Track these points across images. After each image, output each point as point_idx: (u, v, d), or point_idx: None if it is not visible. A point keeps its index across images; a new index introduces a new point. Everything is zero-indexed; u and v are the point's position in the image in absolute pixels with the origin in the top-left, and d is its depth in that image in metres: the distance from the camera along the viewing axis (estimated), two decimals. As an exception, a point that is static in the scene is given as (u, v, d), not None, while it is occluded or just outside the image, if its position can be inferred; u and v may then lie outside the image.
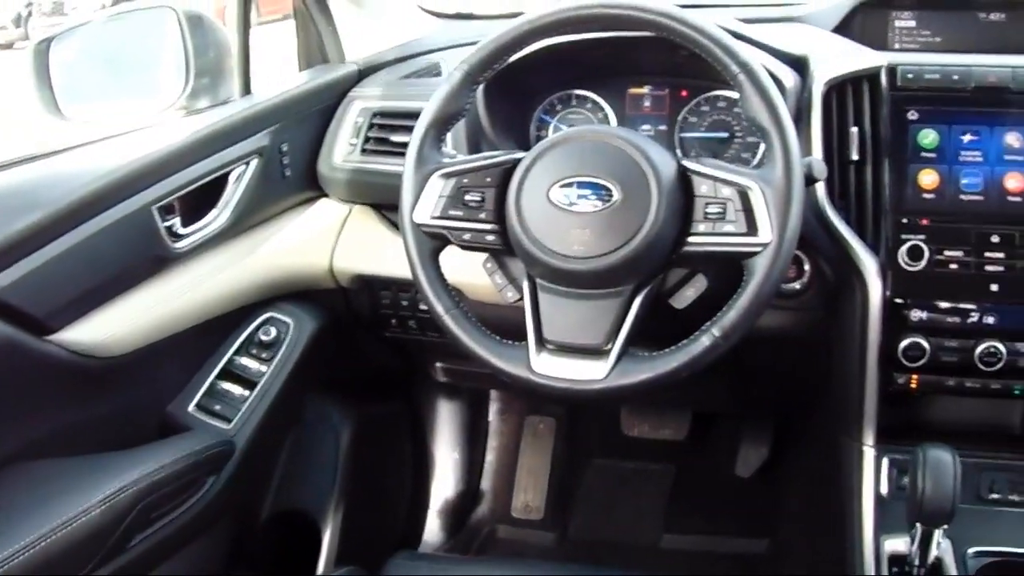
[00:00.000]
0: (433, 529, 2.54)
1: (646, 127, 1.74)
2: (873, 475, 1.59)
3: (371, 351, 2.11)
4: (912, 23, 1.84)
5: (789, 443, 2.51)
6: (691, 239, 1.31)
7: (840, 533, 1.62)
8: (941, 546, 1.44)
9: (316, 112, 1.87)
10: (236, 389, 1.78)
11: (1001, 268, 1.49)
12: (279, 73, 1.99)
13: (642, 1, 1.34)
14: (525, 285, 1.37)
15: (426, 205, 1.39)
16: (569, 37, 1.58)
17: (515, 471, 2.63)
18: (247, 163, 1.74)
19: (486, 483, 2.65)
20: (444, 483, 2.58)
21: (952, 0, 1.86)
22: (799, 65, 1.62)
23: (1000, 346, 1.50)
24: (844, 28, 1.82)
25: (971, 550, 1.49)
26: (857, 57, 1.61)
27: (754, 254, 1.28)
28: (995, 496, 1.59)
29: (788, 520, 2.35)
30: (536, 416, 2.65)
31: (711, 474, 2.62)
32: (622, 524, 2.58)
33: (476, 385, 2.54)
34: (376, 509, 2.30)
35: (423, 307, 1.44)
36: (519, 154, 1.38)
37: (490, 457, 2.67)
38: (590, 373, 1.31)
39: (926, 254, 1.49)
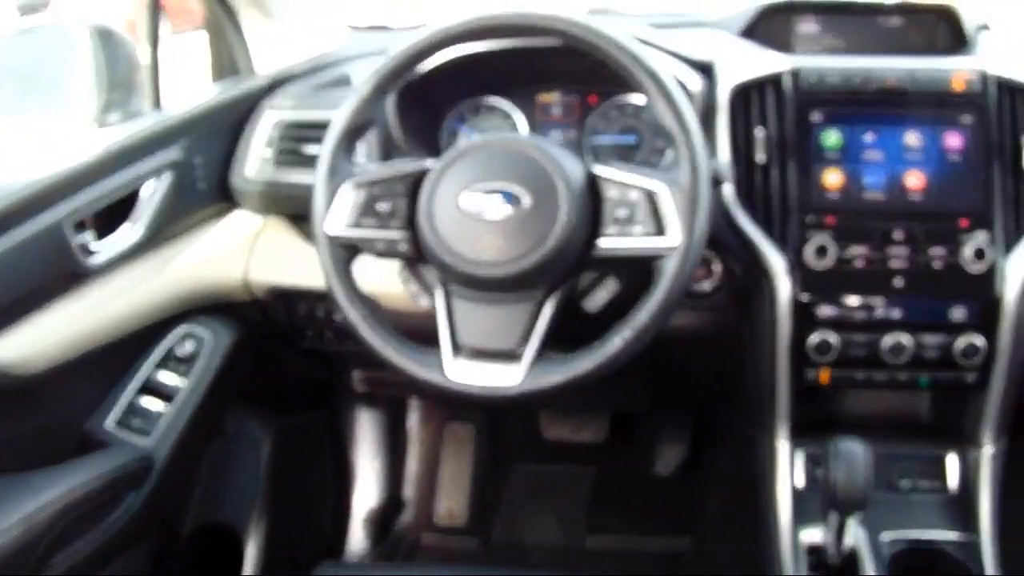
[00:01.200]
0: (357, 538, 2.52)
1: (556, 134, 1.75)
2: (788, 468, 1.63)
3: (289, 362, 2.10)
4: (815, 28, 1.87)
5: (707, 441, 2.55)
6: (601, 242, 1.32)
7: (758, 526, 1.65)
8: (856, 534, 1.49)
9: (228, 124, 1.85)
10: (154, 404, 1.75)
11: (904, 263, 1.53)
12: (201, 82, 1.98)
13: (547, 10, 1.35)
14: (438, 292, 1.38)
15: (338, 215, 1.39)
16: (478, 46, 1.59)
17: (437, 478, 2.63)
18: (160, 177, 1.72)
19: (409, 491, 2.65)
20: (367, 492, 2.57)
21: (853, 5, 1.90)
22: (705, 70, 1.65)
23: (906, 339, 1.54)
24: (750, 33, 1.84)
25: (885, 537, 1.55)
26: (762, 61, 1.64)
27: (663, 256, 1.29)
28: (905, 484, 1.65)
29: (709, 516, 2.38)
30: (456, 422, 2.66)
31: (632, 474, 2.64)
32: (545, 527, 2.59)
33: (395, 393, 2.54)
34: (299, 520, 2.28)
35: (339, 317, 1.43)
36: (429, 162, 1.39)
37: (412, 465, 2.67)
38: (505, 377, 1.33)
39: (832, 252, 1.52)
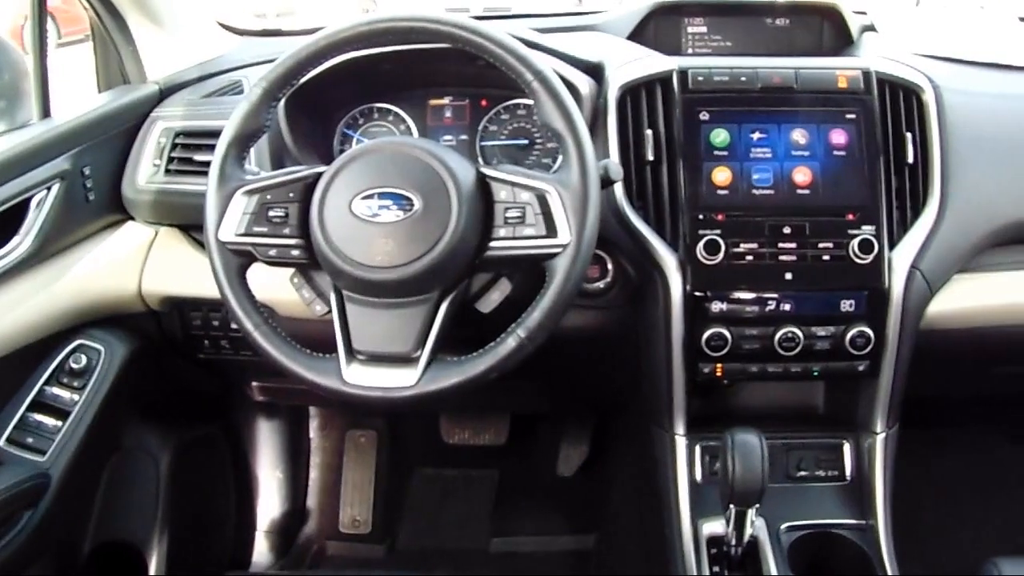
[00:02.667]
0: (262, 550, 2.50)
1: (448, 137, 1.75)
2: (686, 462, 1.66)
3: (186, 374, 2.06)
4: (703, 29, 1.91)
5: (608, 438, 2.57)
6: (493, 244, 1.33)
7: (660, 521, 1.66)
8: (755, 524, 1.51)
9: (118, 134, 1.81)
10: (48, 420, 1.71)
11: (794, 257, 1.56)
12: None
13: (437, 13, 1.36)
14: (332, 298, 1.37)
15: (230, 223, 1.38)
16: (368, 51, 1.58)
17: (340, 486, 2.61)
18: (48, 188, 1.68)
19: (312, 500, 2.63)
20: (269, 503, 2.54)
21: (740, 7, 1.94)
22: (595, 71, 1.67)
23: (797, 331, 1.56)
24: (638, 35, 1.87)
25: (783, 525, 1.58)
26: (650, 62, 1.66)
27: (554, 255, 1.30)
28: (803, 473, 1.69)
29: (613, 513, 2.40)
30: (357, 430, 2.64)
31: (534, 475, 2.66)
32: (450, 531, 2.59)
33: (294, 402, 2.52)
34: (202, 533, 2.25)
35: (235, 326, 1.42)
36: (321, 168, 1.38)
37: (314, 474, 2.65)
38: (401, 380, 1.32)
39: (723, 248, 1.54)
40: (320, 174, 1.37)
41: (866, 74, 1.64)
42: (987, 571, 1.46)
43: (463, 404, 2.42)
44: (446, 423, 2.62)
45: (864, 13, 1.99)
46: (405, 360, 1.33)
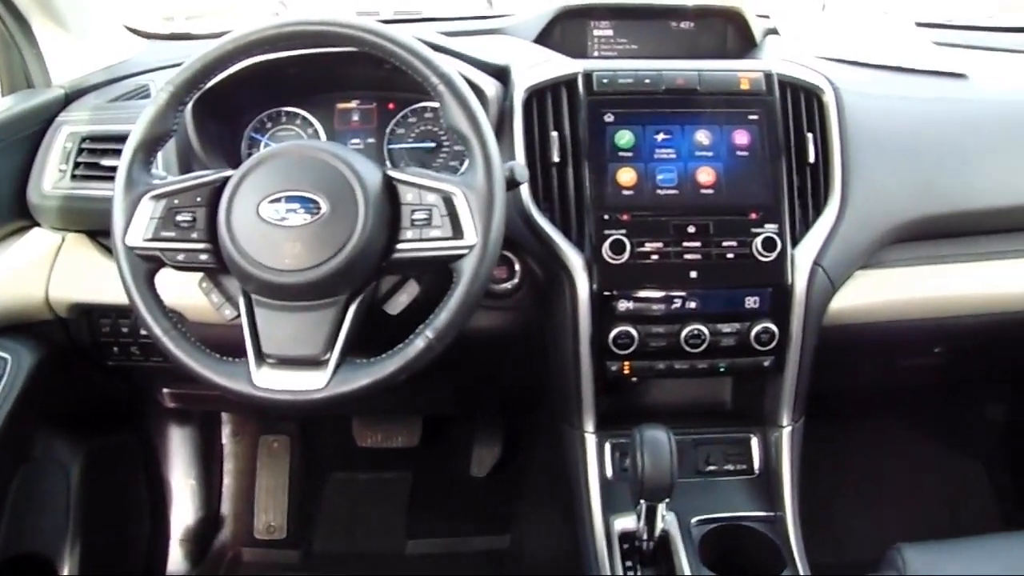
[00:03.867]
0: (176, 559, 2.47)
1: (356, 141, 1.76)
2: (596, 460, 1.68)
3: (96, 381, 2.03)
4: (609, 32, 1.93)
5: (521, 438, 2.59)
6: (400, 246, 1.34)
7: (573, 518, 1.69)
8: (666, 519, 1.54)
9: (22, 139, 1.78)
10: (-46, 431, 1.69)
11: (698, 256, 1.59)
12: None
13: (344, 17, 1.37)
14: (241, 302, 1.37)
15: (137, 228, 1.37)
16: (276, 54, 1.58)
17: (254, 492, 2.60)
18: (-50, 195, 1.67)
19: (226, 507, 2.61)
20: (183, 511, 2.52)
21: (646, 10, 1.97)
22: (501, 74, 1.68)
23: (703, 328, 1.59)
24: (545, 38, 1.89)
25: (694, 519, 1.61)
26: (555, 65, 1.68)
27: (461, 256, 1.32)
28: (712, 467, 1.72)
29: (527, 512, 2.42)
30: (270, 435, 2.63)
31: (448, 477, 2.67)
32: (365, 535, 2.59)
33: (206, 408, 2.50)
34: (115, 543, 2.21)
35: (144, 332, 1.42)
36: (228, 172, 1.38)
37: (227, 480, 2.63)
38: (310, 383, 1.33)
39: (628, 247, 1.56)
40: (227, 178, 1.37)
41: (768, 76, 1.67)
42: (891, 557, 1.51)
43: (375, 407, 2.42)
44: (359, 426, 2.62)
45: (767, 17, 2.03)
46: (314, 363, 1.34)
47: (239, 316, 1.38)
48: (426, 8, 2.19)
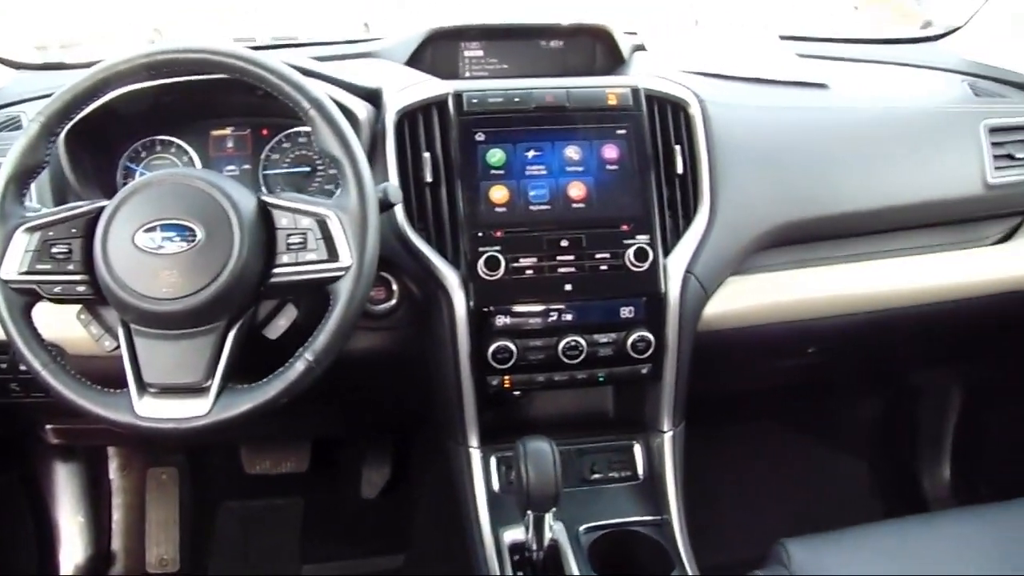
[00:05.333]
0: None
1: (231, 167, 1.77)
2: (482, 474, 1.72)
3: (-25, 420, 2.02)
4: (480, 53, 1.98)
5: (410, 458, 2.61)
6: (277, 270, 1.37)
7: (464, 533, 1.72)
8: (554, 528, 1.58)
9: None
10: None
11: (572, 269, 1.64)
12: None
13: (215, 44, 1.39)
14: (120, 332, 1.38)
15: (12, 261, 1.37)
16: (148, 83, 1.59)
17: (144, 525, 2.56)
18: None
19: (116, 542, 2.57)
20: (72, 549, 2.48)
21: (515, 31, 2.02)
22: (373, 97, 1.71)
23: (580, 339, 1.64)
24: (417, 60, 1.93)
25: (582, 527, 1.65)
26: (426, 86, 1.72)
27: (337, 278, 1.35)
28: (597, 475, 1.77)
29: (419, 531, 2.44)
30: (158, 468, 2.60)
31: (339, 500, 2.67)
32: (260, 562, 2.58)
33: (91, 443, 2.47)
34: None
35: (23, 367, 1.41)
36: (103, 202, 1.38)
37: (117, 515, 2.59)
38: (193, 410, 1.34)
39: (503, 263, 1.60)
40: (102, 208, 1.37)
41: (635, 91, 1.73)
42: (776, 553, 1.58)
43: (262, 433, 2.41)
44: (247, 454, 2.61)
45: (635, 34, 2.09)
46: (196, 390, 1.35)
47: (119, 347, 1.38)
48: (303, 33, 2.20)
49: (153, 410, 1.35)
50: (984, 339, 2.24)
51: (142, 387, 1.36)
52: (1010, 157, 2.00)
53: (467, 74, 1.99)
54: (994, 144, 1.99)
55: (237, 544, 2.60)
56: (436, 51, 1.96)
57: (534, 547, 1.56)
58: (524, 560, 1.62)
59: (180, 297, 1.32)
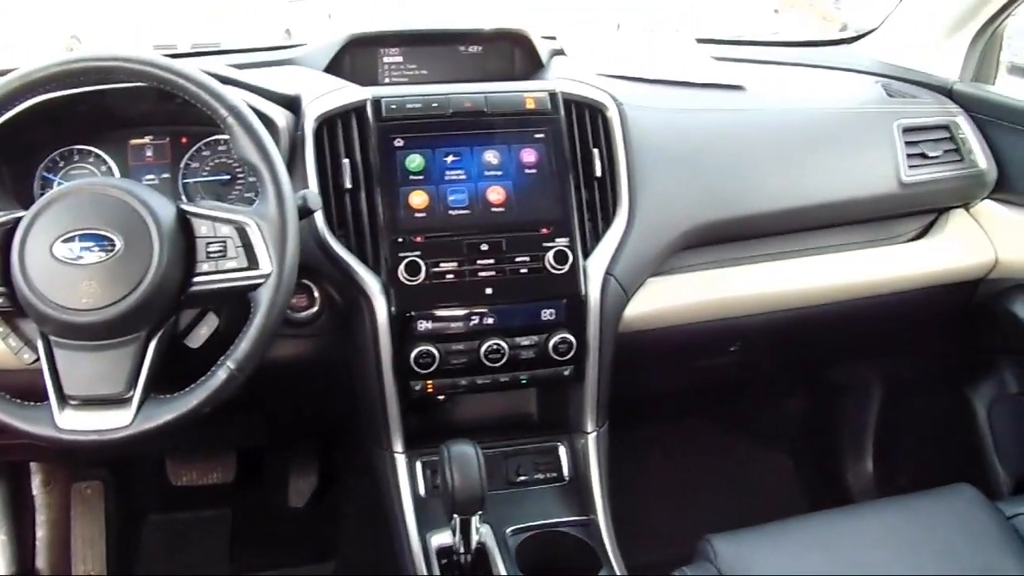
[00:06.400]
0: None
1: (150, 177, 1.76)
2: (408, 479, 1.74)
3: None
4: (399, 59, 1.99)
5: (336, 465, 2.62)
6: (197, 279, 1.38)
7: (391, 538, 1.74)
8: (481, 531, 1.60)
9: None
10: None
11: (493, 273, 1.66)
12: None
13: (131, 52, 1.40)
14: (40, 344, 1.37)
15: None
16: (65, 91, 1.59)
17: (70, 541, 2.53)
18: None
19: (41, 560, 2.53)
20: (-6, 568, 2.46)
21: (434, 36, 2.04)
22: (292, 104, 1.73)
23: (502, 343, 1.67)
24: (335, 67, 1.94)
25: (509, 529, 1.68)
26: (344, 93, 1.73)
27: (257, 286, 1.38)
28: (523, 477, 1.80)
29: (349, 538, 2.45)
30: (82, 482, 2.57)
31: (267, 510, 2.68)
32: (189, 575, 2.57)
33: (12, 459, 2.45)
34: None
35: None
36: (20, 212, 1.38)
37: (40, 532, 2.55)
38: (115, 421, 1.35)
39: (423, 268, 1.62)
40: (19, 219, 1.37)
41: (552, 95, 1.77)
42: (702, 548, 1.62)
43: (186, 443, 2.41)
44: (172, 465, 2.60)
45: (553, 39, 2.13)
46: (118, 401, 1.36)
47: (39, 359, 1.38)
48: (225, 41, 2.21)
49: (74, 423, 1.36)
50: (901, 334, 2.31)
51: (63, 400, 1.36)
52: (923, 156, 2.07)
53: (386, 80, 2.00)
54: (907, 143, 2.06)
55: (165, 557, 2.58)
56: (355, 57, 1.97)
57: (461, 550, 1.59)
58: (452, 563, 1.64)
59: (100, 308, 1.33)
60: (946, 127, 2.14)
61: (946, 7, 2.22)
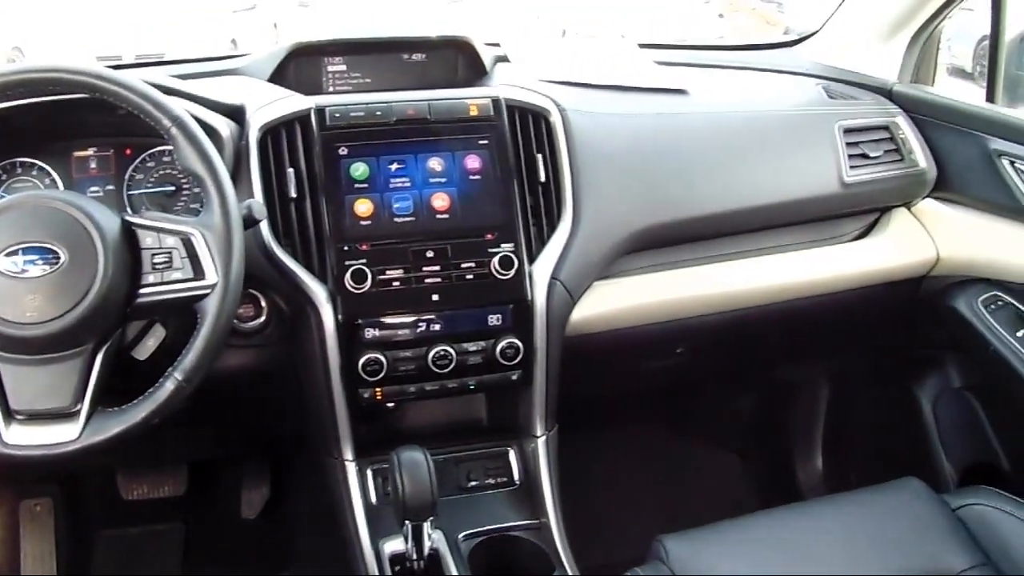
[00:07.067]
0: None
1: (95, 189, 1.76)
2: (359, 487, 1.75)
3: None
4: (343, 67, 2.01)
5: (289, 475, 2.62)
6: (143, 291, 1.39)
7: (344, 547, 1.75)
8: (433, 537, 1.62)
9: None
10: None
11: (439, 279, 1.69)
12: None
13: (72, 63, 1.40)
14: None
15: None
16: (6, 103, 1.56)
17: (19, 561, 2.50)
18: None
19: None
20: (-57, 591, 2.43)
21: (377, 44, 2.06)
22: (236, 114, 1.74)
23: (449, 349, 1.69)
24: (280, 77, 1.96)
25: (461, 534, 1.69)
26: (288, 102, 1.75)
27: (204, 296, 1.38)
28: (474, 483, 1.81)
29: (303, 548, 2.45)
30: (31, 499, 2.53)
31: (220, 522, 2.67)
32: None
33: None
34: None
35: None
36: None
37: None
38: (63, 436, 1.35)
39: (369, 276, 1.64)
40: None
41: (495, 102, 1.79)
42: (655, 549, 1.65)
43: (137, 457, 2.40)
44: (123, 480, 2.58)
45: (497, 45, 2.16)
46: (66, 415, 1.36)
47: None
48: (169, 51, 2.21)
49: (21, 438, 1.35)
50: (847, 332, 2.35)
51: (9, 415, 1.36)
52: (864, 156, 2.12)
53: (330, 89, 2.02)
54: (848, 144, 2.11)
55: (118, 573, 2.56)
56: (299, 66, 1.98)
57: (414, 556, 1.60)
58: (405, 570, 1.65)
59: (45, 321, 1.33)
60: (886, 127, 2.18)
61: (884, 10, 2.27)
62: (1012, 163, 2.00)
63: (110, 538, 2.61)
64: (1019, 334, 2.01)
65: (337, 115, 1.72)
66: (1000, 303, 2.05)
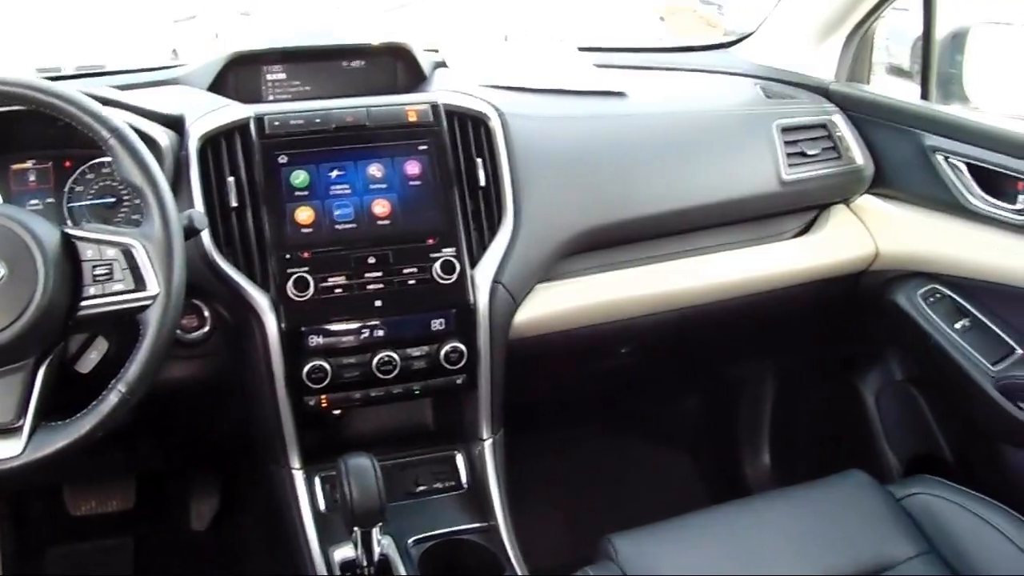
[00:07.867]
0: None
1: (34, 202, 1.76)
2: (307, 495, 1.76)
3: None
4: (282, 76, 2.02)
5: (238, 485, 2.62)
6: (84, 303, 1.39)
7: (294, 555, 1.76)
8: (383, 543, 1.63)
9: None
10: None
11: (381, 285, 1.70)
12: None
13: (5, 75, 1.40)
14: None
15: None
16: None
17: None
18: None
19: None
20: None
21: (315, 52, 2.08)
22: (175, 124, 1.74)
23: (393, 354, 1.71)
24: (219, 86, 1.97)
25: (411, 540, 1.71)
26: (228, 111, 1.76)
27: (145, 307, 1.39)
28: (422, 488, 1.84)
29: (252, 557, 2.45)
30: None
31: (170, 535, 2.65)
32: None
33: None
34: None
35: None
36: None
37: None
38: (6, 451, 1.35)
39: (312, 283, 1.66)
40: None
41: (434, 107, 1.82)
42: (604, 548, 1.67)
43: (83, 471, 2.39)
44: (70, 495, 2.57)
45: (436, 51, 2.18)
46: (8, 431, 1.36)
47: None
48: (110, 62, 2.21)
49: None
50: (789, 328, 2.40)
51: None
52: (802, 155, 2.17)
53: (270, 97, 2.03)
54: (787, 143, 2.16)
55: None
56: (238, 75, 2.00)
57: (364, 563, 1.61)
58: None
59: None
60: (823, 126, 2.23)
61: (819, 10, 2.32)
62: (946, 158, 2.05)
63: (58, 555, 2.58)
64: (957, 326, 2.06)
65: (276, 123, 1.73)
66: (938, 296, 2.10)
